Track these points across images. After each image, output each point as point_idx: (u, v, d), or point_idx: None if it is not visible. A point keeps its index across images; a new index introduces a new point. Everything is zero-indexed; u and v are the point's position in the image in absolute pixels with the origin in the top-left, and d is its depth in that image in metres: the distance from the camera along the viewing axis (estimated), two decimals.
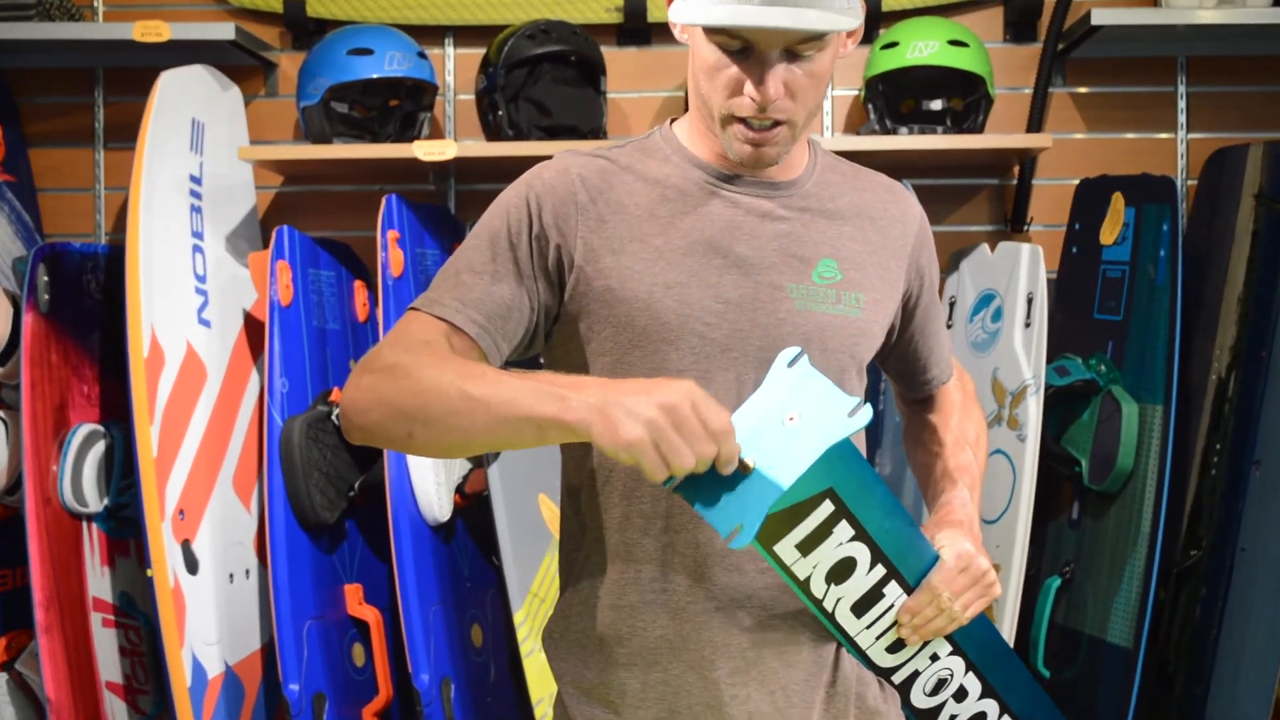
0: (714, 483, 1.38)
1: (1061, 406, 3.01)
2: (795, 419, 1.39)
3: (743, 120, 1.55)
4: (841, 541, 1.54)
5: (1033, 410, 2.87)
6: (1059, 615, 2.98)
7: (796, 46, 1.51)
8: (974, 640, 1.70)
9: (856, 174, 1.75)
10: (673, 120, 1.71)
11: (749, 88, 1.52)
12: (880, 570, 1.58)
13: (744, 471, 1.38)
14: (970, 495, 1.74)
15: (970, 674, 1.71)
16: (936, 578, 1.60)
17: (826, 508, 1.52)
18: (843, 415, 1.39)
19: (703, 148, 1.65)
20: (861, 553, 1.56)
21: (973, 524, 1.68)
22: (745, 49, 1.52)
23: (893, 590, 1.61)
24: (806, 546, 1.53)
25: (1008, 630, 2.81)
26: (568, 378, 1.40)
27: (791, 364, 1.43)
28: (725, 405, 1.50)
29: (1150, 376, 2.87)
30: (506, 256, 1.58)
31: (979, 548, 1.64)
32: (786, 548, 1.52)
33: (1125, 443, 2.86)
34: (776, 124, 1.55)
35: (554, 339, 1.65)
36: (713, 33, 1.52)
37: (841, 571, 1.56)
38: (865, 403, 1.40)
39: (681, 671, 1.61)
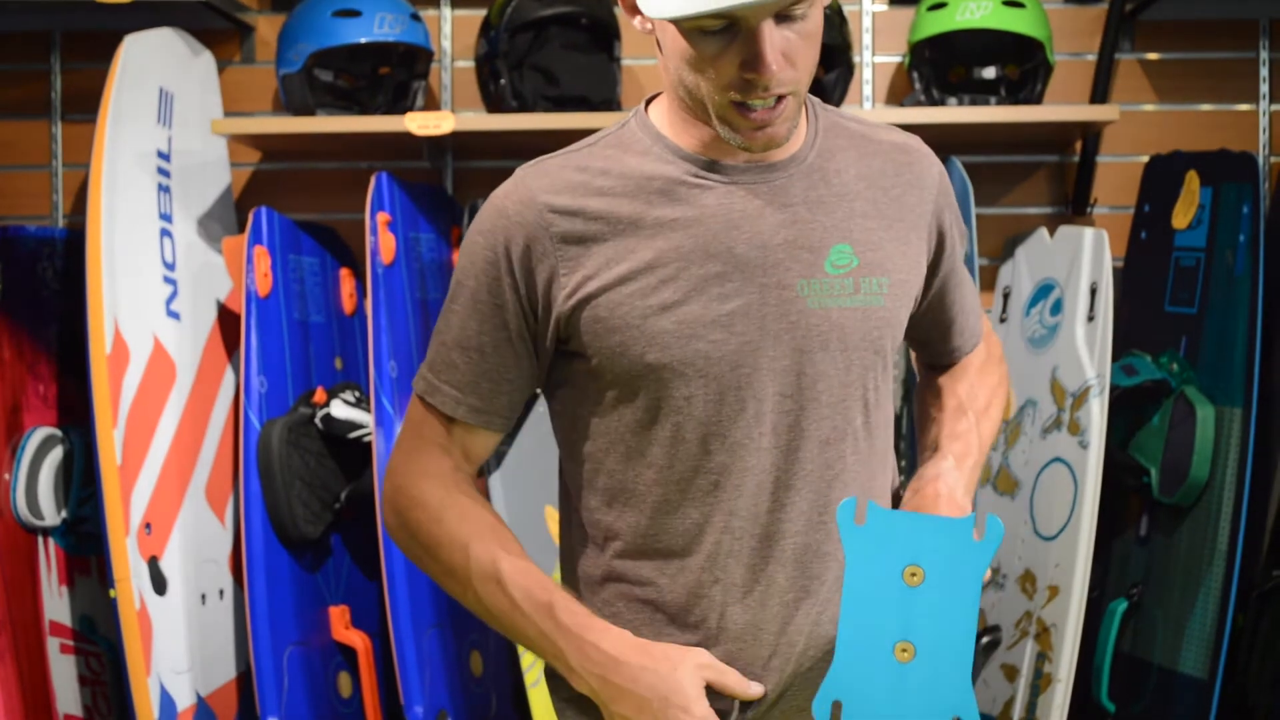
0: (890, 688, 1.39)
1: (1128, 410, 3.00)
2: (919, 574, 1.39)
3: (742, 104, 1.51)
4: None
5: (1096, 414, 2.86)
6: (1125, 643, 2.96)
7: (789, 9, 1.47)
8: None
9: (865, 134, 1.69)
10: (648, 101, 1.65)
11: (747, 69, 1.48)
12: None
13: (906, 659, 1.38)
14: (957, 464, 1.69)
15: None
16: None
17: None
18: (970, 541, 1.39)
19: (685, 136, 1.61)
20: None
21: (951, 494, 1.63)
22: (729, 25, 1.47)
23: None
24: None
25: (1067, 660, 2.78)
26: (568, 620, 1.60)
27: (859, 520, 1.42)
28: (746, 434, 1.57)
29: (1228, 376, 2.86)
30: (493, 322, 1.61)
31: (954, 504, 1.61)
32: None
33: (1200, 450, 2.85)
34: (780, 98, 1.51)
35: (556, 378, 1.65)
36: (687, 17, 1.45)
37: None
38: (976, 513, 1.40)
39: None
